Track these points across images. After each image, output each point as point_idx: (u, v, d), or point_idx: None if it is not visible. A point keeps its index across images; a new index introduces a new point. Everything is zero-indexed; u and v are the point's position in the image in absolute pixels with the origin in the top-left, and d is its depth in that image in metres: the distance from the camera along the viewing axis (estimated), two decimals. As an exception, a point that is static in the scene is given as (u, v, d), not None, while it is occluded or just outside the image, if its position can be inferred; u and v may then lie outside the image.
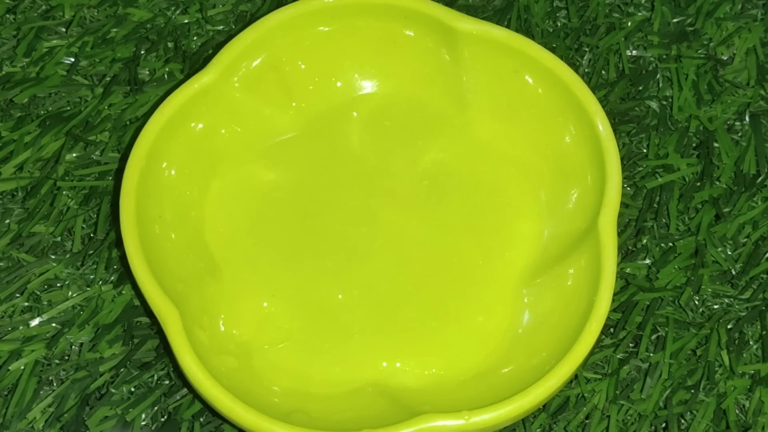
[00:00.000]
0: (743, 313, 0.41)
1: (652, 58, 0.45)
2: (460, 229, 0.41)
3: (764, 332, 0.40)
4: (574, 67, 0.44)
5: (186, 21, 0.46)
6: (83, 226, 0.42)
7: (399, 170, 0.42)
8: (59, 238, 0.42)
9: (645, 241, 0.42)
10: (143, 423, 0.39)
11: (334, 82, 0.43)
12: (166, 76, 0.45)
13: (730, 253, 0.42)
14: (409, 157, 0.42)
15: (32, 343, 0.40)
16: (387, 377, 0.39)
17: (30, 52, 0.45)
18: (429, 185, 0.42)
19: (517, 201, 0.41)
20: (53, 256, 0.42)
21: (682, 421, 0.39)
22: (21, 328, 0.40)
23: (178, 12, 0.46)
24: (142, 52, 0.45)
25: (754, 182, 0.43)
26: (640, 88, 0.45)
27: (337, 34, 0.42)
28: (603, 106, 0.40)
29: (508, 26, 0.45)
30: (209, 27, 0.46)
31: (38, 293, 0.41)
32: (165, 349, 0.40)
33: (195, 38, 0.46)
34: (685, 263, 0.42)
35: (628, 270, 0.42)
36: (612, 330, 0.41)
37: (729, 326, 0.41)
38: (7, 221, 0.42)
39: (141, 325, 0.41)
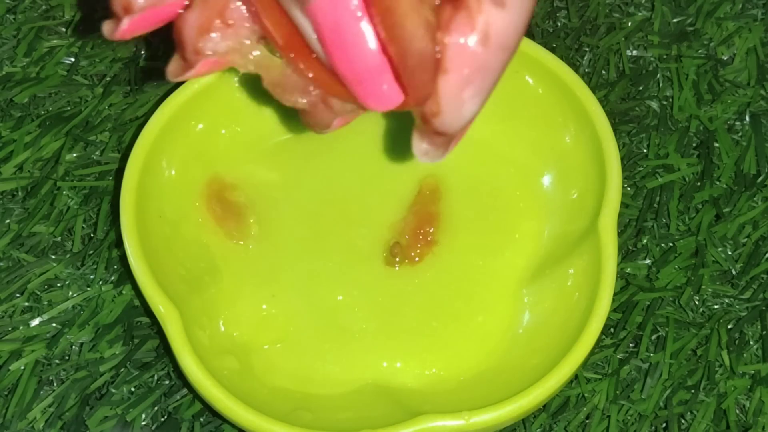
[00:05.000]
0: (743, 313, 0.41)
1: (652, 58, 0.45)
2: (459, 230, 0.41)
3: (764, 332, 0.40)
4: (574, 67, 0.44)
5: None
6: (83, 226, 0.42)
7: (399, 170, 0.42)
8: (59, 238, 0.42)
9: (645, 241, 0.42)
10: (143, 423, 0.39)
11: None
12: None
13: (730, 253, 0.42)
14: (409, 157, 0.42)
15: (32, 343, 0.40)
16: (387, 377, 0.39)
17: (30, 52, 0.45)
18: (429, 185, 0.42)
19: (517, 201, 0.41)
20: (53, 256, 0.42)
21: (683, 421, 0.39)
22: (21, 328, 0.40)
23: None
24: (142, 52, 0.45)
25: (754, 182, 0.43)
26: (641, 88, 0.45)
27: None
28: (603, 106, 0.40)
29: (508, 26, 0.45)
30: (209, 27, 0.46)
31: (38, 293, 0.41)
32: (165, 349, 0.40)
33: (195, 38, 0.46)
34: (686, 263, 0.42)
35: (628, 270, 0.42)
36: (612, 330, 0.41)
37: (729, 326, 0.41)
38: (7, 221, 0.42)
39: (141, 325, 0.41)
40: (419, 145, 0.31)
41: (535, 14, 0.46)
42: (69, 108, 0.44)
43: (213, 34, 0.31)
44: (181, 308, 0.37)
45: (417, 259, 0.41)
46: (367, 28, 0.28)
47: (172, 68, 0.32)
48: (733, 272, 0.42)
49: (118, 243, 0.41)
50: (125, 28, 0.31)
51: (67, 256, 0.42)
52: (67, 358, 0.40)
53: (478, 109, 0.30)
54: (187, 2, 0.31)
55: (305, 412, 0.37)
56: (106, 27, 0.31)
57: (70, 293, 0.41)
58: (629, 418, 0.39)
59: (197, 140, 0.41)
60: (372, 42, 0.29)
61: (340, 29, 0.29)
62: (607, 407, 0.39)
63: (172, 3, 0.31)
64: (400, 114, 0.43)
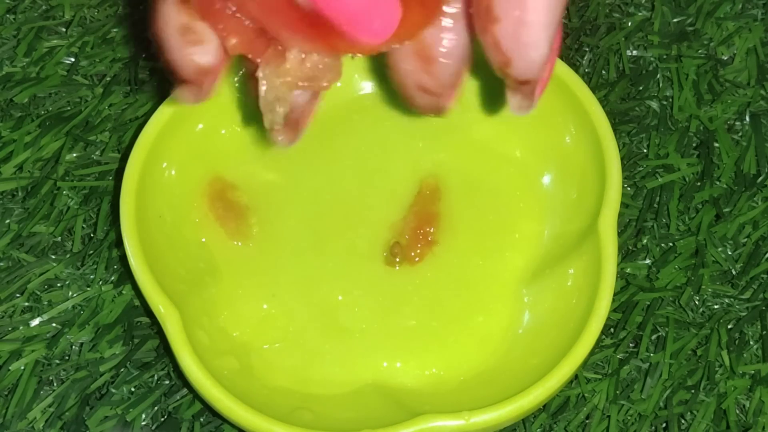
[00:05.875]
0: (743, 313, 0.41)
1: (652, 58, 0.45)
2: (459, 230, 0.41)
3: (764, 332, 0.40)
4: (574, 67, 0.44)
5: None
6: (83, 226, 0.42)
7: (399, 170, 0.42)
8: (59, 238, 0.42)
9: (645, 241, 0.42)
10: (143, 423, 0.39)
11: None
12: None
13: (730, 253, 0.42)
14: (409, 157, 0.42)
15: (32, 343, 0.40)
16: (387, 377, 0.39)
17: (30, 52, 0.45)
18: (429, 185, 0.42)
19: (517, 201, 0.41)
20: (53, 256, 0.42)
21: (683, 421, 0.39)
22: (21, 328, 0.40)
23: (178, 12, 0.46)
24: (142, 52, 0.45)
25: (754, 182, 0.43)
26: (641, 88, 0.45)
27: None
28: (603, 106, 0.40)
29: (508, 26, 0.45)
30: (209, 27, 0.46)
31: (38, 293, 0.41)
32: (165, 349, 0.40)
33: (195, 38, 0.46)
34: (686, 263, 0.42)
35: (628, 270, 0.42)
36: (612, 330, 0.41)
37: (729, 326, 0.41)
38: (7, 221, 0.42)
39: (141, 325, 0.41)
40: (512, 100, 0.32)
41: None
42: (69, 108, 0.44)
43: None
44: (181, 308, 0.37)
45: (417, 259, 0.41)
46: None
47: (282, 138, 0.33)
48: (733, 272, 0.42)
49: (118, 243, 0.41)
50: (208, 89, 0.32)
51: (67, 256, 0.42)
52: (67, 358, 0.40)
53: (546, 48, 0.29)
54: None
55: (305, 412, 0.37)
56: (184, 94, 0.32)
57: (70, 293, 0.41)
58: (629, 418, 0.39)
59: (197, 140, 0.41)
60: None
61: None
62: (607, 407, 0.39)
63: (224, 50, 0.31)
64: (400, 113, 0.43)
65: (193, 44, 0.31)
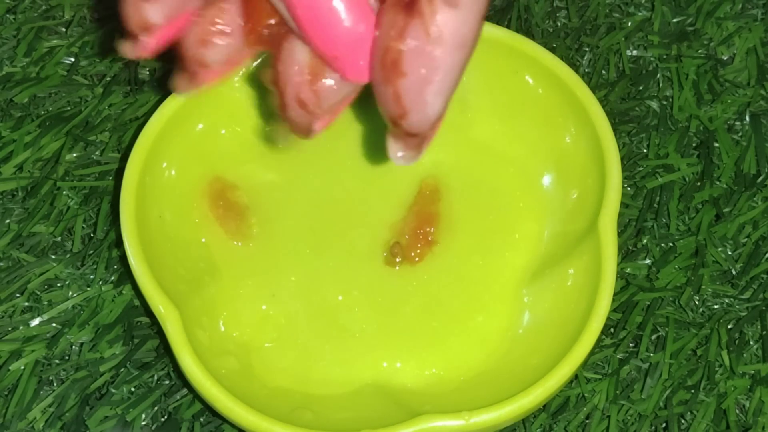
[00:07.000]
0: (743, 313, 0.41)
1: (652, 58, 0.45)
2: (459, 230, 0.41)
3: (764, 332, 0.40)
4: (574, 67, 0.44)
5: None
6: (83, 226, 0.42)
7: (399, 170, 0.42)
8: (59, 238, 0.42)
9: (645, 241, 0.42)
10: (143, 423, 0.39)
11: (334, 82, 0.43)
12: (166, 76, 0.45)
13: (730, 253, 0.42)
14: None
15: (32, 343, 0.40)
16: (387, 377, 0.39)
17: (30, 52, 0.45)
18: (429, 185, 0.42)
19: (517, 201, 0.41)
20: (53, 256, 0.42)
21: (683, 421, 0.39)
22: (21, 328, 0.40)
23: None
24: (142, 52, 0.45)
25: (754, 182, 0.43)
26: (641, 88, 0.45)
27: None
28: (603, 106, 0.40)
29: (508, 26, 0.45)
30: (209, 27, 0.46)
31: (38, 293, 0.41)
32: (165, 349, 0.40)
33: (195, 38, 0.46)
34: (686, 263, 0.42)
35: (628, 270, 0.42)
36: (612, 330, 0.41)
37: (729, 326, 0.41)
38: (7, 221, 0.42)
39: (141, 325, 0.41)
40: (394, 148, 0.31)
41: (535, 14, 0.46)
42: (69, 108, 0.44)
43: (213, 44, 0.32)
44: (181, 308, 0.37)
45: (417, 259, 0.41)
46: (339, 4, 0.29)
47: (179, 83, 0.33)
48: (733, 272, 0.42)
49: (118, 243, 0.41)
50: (148, 46, 0.31)
51: (67, 256, 0.42)
52: (67, 358, 0.40)
53: (443, 108, 0.30)
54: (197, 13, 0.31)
55: (305, 412, 0.37)
56: (126, 48, 0.31)
57: (70, 293, 0.41)
58: (629, 418, 0.39)
59: (197, 140, 0.41)
60: (347, 19, 0.29)
61: (314, 8, 0.29)
62: (607, 407, 0.39)
63: (184, 15, 0.31)
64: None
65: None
